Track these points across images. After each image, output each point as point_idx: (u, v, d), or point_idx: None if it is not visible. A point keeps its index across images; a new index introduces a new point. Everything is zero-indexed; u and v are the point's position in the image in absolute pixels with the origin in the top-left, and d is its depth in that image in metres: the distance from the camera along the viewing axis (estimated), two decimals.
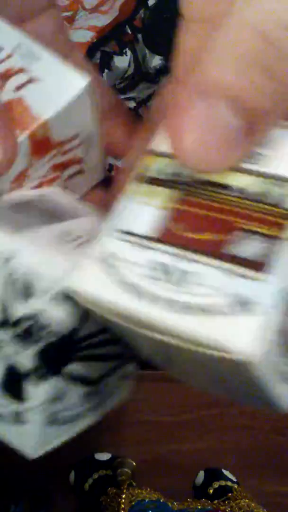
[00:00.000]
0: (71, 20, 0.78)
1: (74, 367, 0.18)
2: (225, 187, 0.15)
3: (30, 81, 0.19)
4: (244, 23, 0.13)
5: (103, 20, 0.66)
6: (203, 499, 0.65)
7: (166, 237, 0.15)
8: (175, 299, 0.14)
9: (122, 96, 0.61)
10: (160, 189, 0.16)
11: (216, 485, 0.69)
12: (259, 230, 0.14)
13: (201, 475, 0.72)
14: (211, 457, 0.74)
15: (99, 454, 0.72)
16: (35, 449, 0.20)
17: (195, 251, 0.15)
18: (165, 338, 0.14)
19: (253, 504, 0.63)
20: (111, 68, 0.62)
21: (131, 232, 0.16)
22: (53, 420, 0.19)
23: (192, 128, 0.14)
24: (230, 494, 0.66)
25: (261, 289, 0.14)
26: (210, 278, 0.14)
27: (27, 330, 0.17)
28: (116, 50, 0.63)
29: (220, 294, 0.14)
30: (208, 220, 0.15)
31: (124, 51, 0.63)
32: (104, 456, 0.72)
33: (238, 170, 0.15)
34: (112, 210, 0.16)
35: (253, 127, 0.14)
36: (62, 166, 0.22)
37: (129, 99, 0.61)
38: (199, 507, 0.62)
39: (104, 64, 0.63)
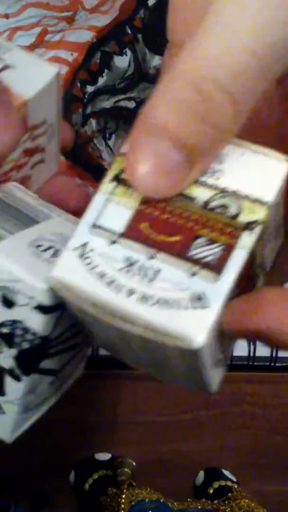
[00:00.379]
0: (71, 20, 0.78)
1: (45, 363, 0.21)
2: (191, 198, 0.18)
3: (5, 67, 0.21)
4: (184, 78, 0.16)
5: (103, 20, 0.67)
6: (203, 499, 0.65)
7: (139, 236, 0.17)
8: (147, 293, 0.17)
9: (122, 96, 0.61)
10: (132, 190, 0.18)
11: (216, 485, 0.69)
12: (218, 238, 0.17)
13: (201, 475, 0.72)
14: (211, 457, 0.74)
15: (99, 454, 0.72)
16: (11, 434, 0.23)
17: (165, 251, 0.17)
18: (131, 328, 0.17)
19: (253, 504, 0.63)
20: (111, 68, 0.62)
21: (106, 228, 0.18)
22: (26, 408, 0.22)
23: (143, 161, 0.17)
24: (230, 494, 0.66)
25: (215, 287, 0.17)
26: (175, 276, 0.17)
27: (7, 335, 0.20)
28: (116, 50, 0.63)
29: (181, 290, 0.17)
30: (176, 225, 0.17)
31: (124, 51, 0.63)
32: (104, 456, 0.72)
33: (201, 184, 0.18)
34: (89, 207, 0.18)
35: (193, 161, 0.17)
36: (30, 153, 0.23)
37: (129, 99, 0.61)
38: (199, 507, 0.62)
39: (104, 64, 0.63)
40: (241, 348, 0.72)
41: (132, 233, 0.17)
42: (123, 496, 0.60)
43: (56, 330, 0.20)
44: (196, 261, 0.17)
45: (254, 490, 0.68)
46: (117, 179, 0.18)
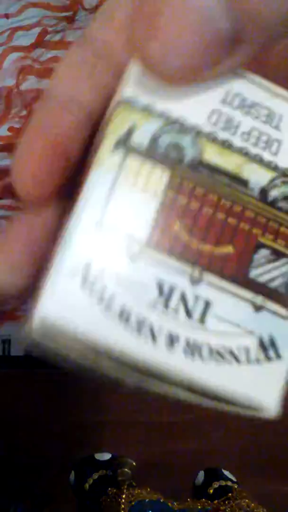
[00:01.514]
0: (71, 20, 0.78)
1: None
2: (242, 182, 0.12)
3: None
4: None
5: None
6: (203, 499, 0.65)
7: (173, 246, 0.11)
8: (197, 340, 0.11)
9: None
10: (149, 165, 0.12)
11: (216, 485, 0.69)
12: (281, 248, 0.12)
13: (201, 475, 0.72)
14: (211, 457, 0.74)
15: (99, 454, 0.72)
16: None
17: (214, 271, 0.11)
18: (169, 390, 0.12)
19: (253, 504, 0.63)
20: None
21: (119, 233, 0.11)
22: None
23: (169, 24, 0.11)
24: (230, 494, 0.66)
25: (285, 329, 0.11)
26: (233, 312, 0.11)
27: None
28: None
29: (245, 334, 0.11)
30: (226, 226, 0.12)
31: None
32: (104, 456, 0.72)
33: (253, 160, 0.12)
34: (81, 196, 0.11)
35: (245, 38, 0.11)
36: None
37: None
38: (199, 507, 0.62)
39: None
40: None
41: (162, 240, 0.11)
42: (123, 496, 0.60)
43: None
44: (260, 287, 0.11)
45: (254, 490, 0.68)
46: (125, 143, 0.11)
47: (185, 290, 0.11)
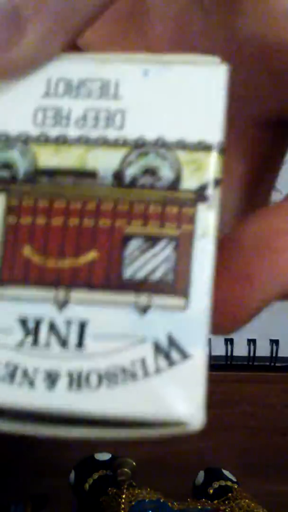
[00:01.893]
0: None
1: None
2: (90, 174, 0.10)
3: None
4: None
5: None
6: (203, 499, 0.65)
7: (23, 274, 0.10)
8: (81, 369, 0.09)
9: None
10: None
11: (216, 485, 0.69)
12: (159, 231, 0.10)
13: (201, 475, 0.72)
14: (211, 457, 0.74)
15: (99, 454, 0.72)
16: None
17: (81, 286, 0.10)
18: (71, 432, 0.10)
19: (253, 504, 0.63)
20: None
21: None
22: None
23: None
24: (230, 494, 0.66)
25: (186, 320, 0.10)
26: (115, 324, 0.10)
27: None
28: None
29: (135, 343, 0.10)
30: (82, 231, 0.10)
31: None
32: (104, 456, 0.72)
33: (99, 144, 0.10)
34: None
35: (21, 23, 0.09)
36: None
37: None
38: (199, 507, 0.62)
39: None
40: (241, 348, 0.72)
41: (14, 272, 0.10)
42: (123, 496, 0.60)
43: None
44: (140, 285, 0.10)
45: (254, 490, 0.68)
46: None
47: (53, 318, 0.10)
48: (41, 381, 0.09)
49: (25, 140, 0.10)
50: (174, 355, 0.10)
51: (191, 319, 0.10)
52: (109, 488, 0.65)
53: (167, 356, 0.10)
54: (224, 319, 0.11)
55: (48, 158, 0.10)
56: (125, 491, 0.61)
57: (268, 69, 0.14)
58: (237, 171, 0.15)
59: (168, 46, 0.13)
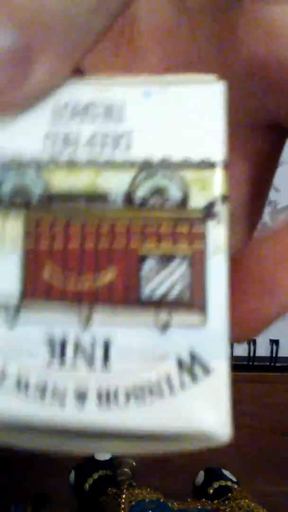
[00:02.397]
0: None
1: None
2: (101, 197, 0.11)
3: None
4: None
5: None
6: (203, 499, 0.65)
7: (46, 295, 0.10)
8: (107, 387, 0.10)
9: None
10: (8, 210, 0.11)
11: (216, 485, 0.69)
12: (173, 250, 0.10)
13: (201, 475, 0.72)
14: (211, 457, 0.74)
15: (99, 454, 0.72)
16: None
17: (103, 304, 0.10)
18: (97, 446, 0.10)
19: (253, 504, 0.63)
20: None
21: None
22: None
23: None
24: (230, 494, 0.66)
25: (206, 335, 0.10)
26: (137, 342, 0.10)
27: None
28: None
29: (158, 361, 0.10)
30: (98, 253, 0.10)
31: None
32: (104, 456, 0.72)
33: (107, 166, 0.11)
34: None
35: (32, 58, 0.10)
36: None
37: None
38: (199, 507, 0.62)
39: None
40: (241, 348, 0.72)
41: (36, 294, 0.10)
42: (123, 496, 0.60)
43: None
44: (158, 304, 0.10)
45: (254, 490, 0.68)
46: None
47: (78, 338, 0.10)
48: (71, 400, 0.10)
49: (38, 165, 0.11)
50: (198, 370, 0.10)
51: (210, 334, 0.10)
52: (109, 488, 0.65)
53: (191, 372, 0.10)
54: (241, 330, 0.11)
55: (60, 182, 0.11)
56: (125, 491, 0.61)
57: (258, 80, 0.13)
58: (236, 174, 0.16)
59: (158, 59, 0.13)
